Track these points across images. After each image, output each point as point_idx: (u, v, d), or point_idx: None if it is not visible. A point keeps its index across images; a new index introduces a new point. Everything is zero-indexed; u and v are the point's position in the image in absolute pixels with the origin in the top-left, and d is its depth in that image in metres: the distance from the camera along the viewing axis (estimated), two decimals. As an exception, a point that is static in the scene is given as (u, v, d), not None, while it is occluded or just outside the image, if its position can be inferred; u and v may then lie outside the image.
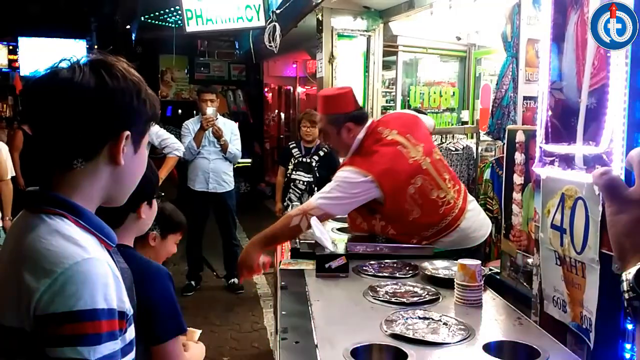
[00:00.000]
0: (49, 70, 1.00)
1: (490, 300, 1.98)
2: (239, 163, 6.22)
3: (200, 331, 1.72)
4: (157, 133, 4.67)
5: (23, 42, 14.62)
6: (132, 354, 1.00)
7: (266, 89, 12.15)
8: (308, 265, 2.31)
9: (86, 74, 0.98)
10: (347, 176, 2.47)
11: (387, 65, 7.46)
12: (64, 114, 0.97)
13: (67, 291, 0.89)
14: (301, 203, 4.52)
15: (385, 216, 2.53)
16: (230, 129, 5.29)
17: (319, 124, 2.79)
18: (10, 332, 0.93)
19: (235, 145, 5.24)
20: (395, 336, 1.59)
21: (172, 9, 8.06)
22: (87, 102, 0.97)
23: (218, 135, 5.08)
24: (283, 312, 1.82)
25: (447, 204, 2.51)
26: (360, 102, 6.92)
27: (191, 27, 6.10)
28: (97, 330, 0.90)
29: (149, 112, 1.06)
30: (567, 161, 1.72)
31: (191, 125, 5.18)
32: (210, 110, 5.07)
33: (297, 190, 4.78)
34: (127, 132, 1.02)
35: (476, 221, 2.59)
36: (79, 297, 0.89)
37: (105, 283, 0.93)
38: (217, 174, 5.20)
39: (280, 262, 2.49)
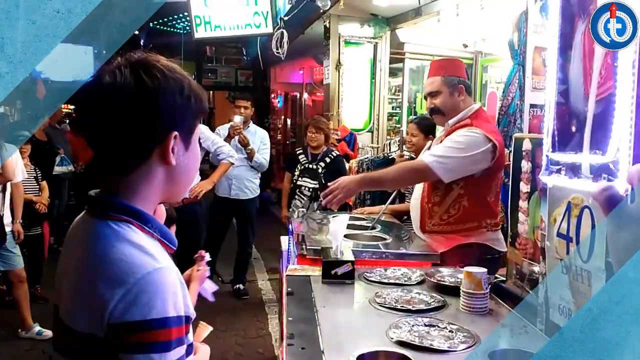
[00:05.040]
0: (94, 77, 1.01)
1: (496, 308, 1.99)
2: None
3: (211, 328, 1.67)
4: (213, 140, 4.72)
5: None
6: (192, 354, 1.04)
7: (273, 95, 12.19)
8: (314, 272, 2.32)
9: (127, 77, 0.98)
10: (472, 135, 2.59)
11: (393, 72, 7.48)
12: (111, 120, 0.98)
13: (140, 301, 0.92)
14: (307, 209, 4.53)
15: (469, 186, 2.63)
16: (260, 138, 5.32)
17: (430, 87, 2.82)
18: (82, 337, 0.96)
19: (263, 155, 5.26)
20: (401, 343, 1.60)
21: (181, 15, 8.12)
22: (129, 106, 0.97)
23: (244, 143, 5.08)
24: (289, 318, 1.82)
25: (499, 204, 2.75)
26: (367, 109, 7.01)
27: (200, 33, 6.14)
28: (168, 337, 0.94)
29: (194, 108, 1.05)
30: (573, 170, 1.73)
31: (222, 131, 5.20)
32: (237, 119, 5.10)
33: (303, 197, 4.79)
34: (175, 133, 1.02)
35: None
36: (152, 306, 0.92)
37: (174, 292, 0.96)
38: (240, 181, 5.21)
39: (287, 268, 2.50)
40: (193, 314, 1.02)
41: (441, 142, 2.70)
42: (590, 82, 1.68)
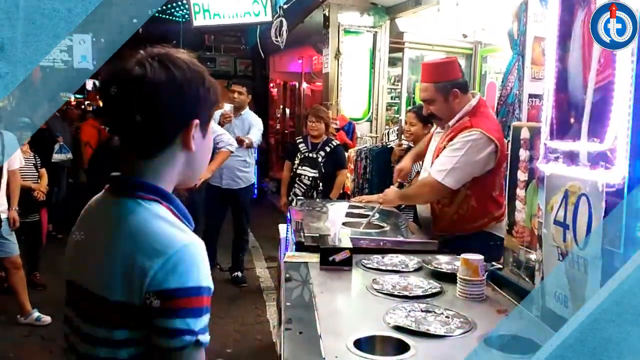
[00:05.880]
0: (120, 68, 1.08)
1: (493, 295, 2.00)
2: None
3: None
4: (211, 127, 4.66)
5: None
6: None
7: (272, 84, 12.15)
8: (312, 259, 2.33)
9: (156, 69, 1.06)
10: (474, 140, 2.62)
11: (392, 62, 7.46)
12: (141, 108, 1.05)
13: (179, 270, 1.00)
14: (306, 198, 4.54)
15: (475, 186, 2.68)
16: (250, 123, 5.23)
17: (424, 94, 2.85)
18: (116, 306, 1.02)
19: (253, 134, 5.17)
20: (398, 328, 1.61)
21: (179, 2, 8.08)
22: (160, 95, 1.05)
23: (238, 140, 4.99)
24: (288, 304, 1.84)
25: (503, 193, 2.71)
26: (366, 99, 7.00)
27: (198, 21, 6.13)
28: (201, 304, 1.02)
29: (212, 99, 1.15)
30: (571, 158, 1.73)
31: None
32: (227, 107, 5.04)
33: (303, 185, 4.80)
34: (197, 120, 1.11)
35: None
36: (189, 275, 1.01)
37: (205, 264, 1.06)
38: (231, 171, 5.16)
39: (285, 254, 2.51)
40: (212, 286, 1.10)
41: (444, 147, 2.73)
42: (589, 70, 1.68)
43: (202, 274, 1.03)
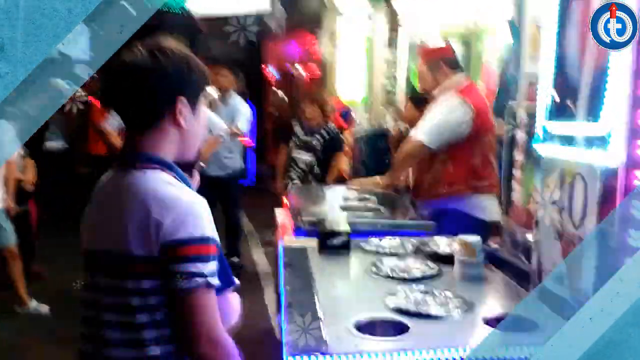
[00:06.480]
0: (117, 58, 1.32)
1: (491, 275, 2.02)
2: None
3: None
4: (203, 107, 4.50)
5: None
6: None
7: (266, 69, 12.09)
8: (311, 243, 2.34)
9: (144, 55, 1.27)
10: (450, 102, 2.79)
11: (389, 45, 7.40)
12: (134, 88, 1.28)
13: (187, 222, 1.20)
14: (302, 182, 4.54)
15: (452, 151, 2.79)
16: (235, 112, 4.96)
17: (419, 72, 3.08)
18: (139, 259, 1.22)
19: (240, 123, 4.92)
20: (397, 310, 1.63)
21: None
22: (147, 76, 1.27)
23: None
24: (287, 288, 1.86)
25: (491, 170, 2.85)
26: (364, 83, 6.96)
27: (190, 4, 6.04)
28: (208, 252, 1.22)
29: (197, 78, 1.34)
30: (567, 139, 1.74)
31: None
32: (211, 91, 4.93)
33: (298, 169, 4.79)
34: (182, 98, 1.30)
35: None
36: (197, 226, 1.21)
37: (209, 218, 1.25)
38: (217, 158, 4.91)
39: (283, 239, 2.52)
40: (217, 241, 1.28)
41: None
42: (586, 51, 1.69)
43: (206, 226, 1.23)
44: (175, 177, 1.30)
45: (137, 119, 1.32)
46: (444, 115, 2.79)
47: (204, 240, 1.22)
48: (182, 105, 1.30)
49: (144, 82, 1.27)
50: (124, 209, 1.25)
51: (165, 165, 1.30)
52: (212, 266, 1.22)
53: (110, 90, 1.33)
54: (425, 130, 2.80)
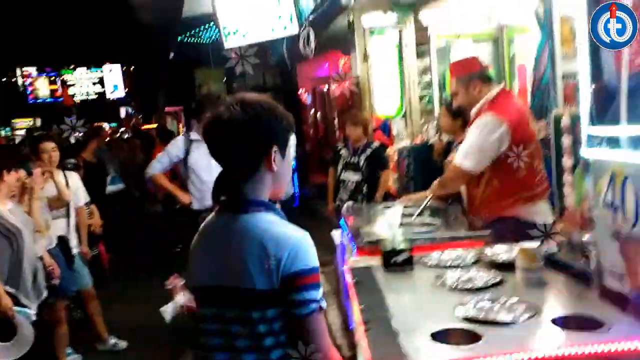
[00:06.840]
0: (215, 114, 1.47)
1: (551, 278, 2.08)
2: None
3: None
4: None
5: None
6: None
7: (301, 91, 12.28)
8: (373, 262, 2.45)
9: (238, 112, 1.43)
10: (484, 122, 2.84)
11: (420, 54, 7.46)
12: (234, 142, 1.45)
13: (301, 256, 1.40)
14: (353, 201, 4.65)
15: (494, 167, 2.84)
16: None
17: (451, 89, 3.18)
18: (262, 292, 1.40)
19: None
20: (468, 319, 1.71)
21: (205, 26, 8.31)
22: (244, 131, 1.44)
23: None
24: (361, 306, 1.96)
25: (541, 177, 2.88)
26: (398, 94, 7.03)
27: (230, 43, 6.33)
28: (318, 280, 1.42)
29: (285, 126, 1.51)
30: (613, 142, 1.80)
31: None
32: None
33: (347, 190, 4.91)
34: (275, 146, 1.47)
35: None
36: (308, 258, 1.41)
37: (314, 250, 1.44)
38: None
39: (346, 260, 2.64)
40: None
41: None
42: (621, 55, 1.74)
43: (315, 258, 1.42)
44: (277, 216, 1.48)
45: (240, 168, 1.48)
46: (482, 137, 2.85)
47: (315, 269, 1.41)
48: (275, 152, 1.47)
49: (246, 137, 1.43)
50: (243, 249, 1.41)
51: (268, 207, 1.48)
52: (321, 292, 1.41)
53: (214, 145, 1.49)
54: (466, 156, 2.90)
